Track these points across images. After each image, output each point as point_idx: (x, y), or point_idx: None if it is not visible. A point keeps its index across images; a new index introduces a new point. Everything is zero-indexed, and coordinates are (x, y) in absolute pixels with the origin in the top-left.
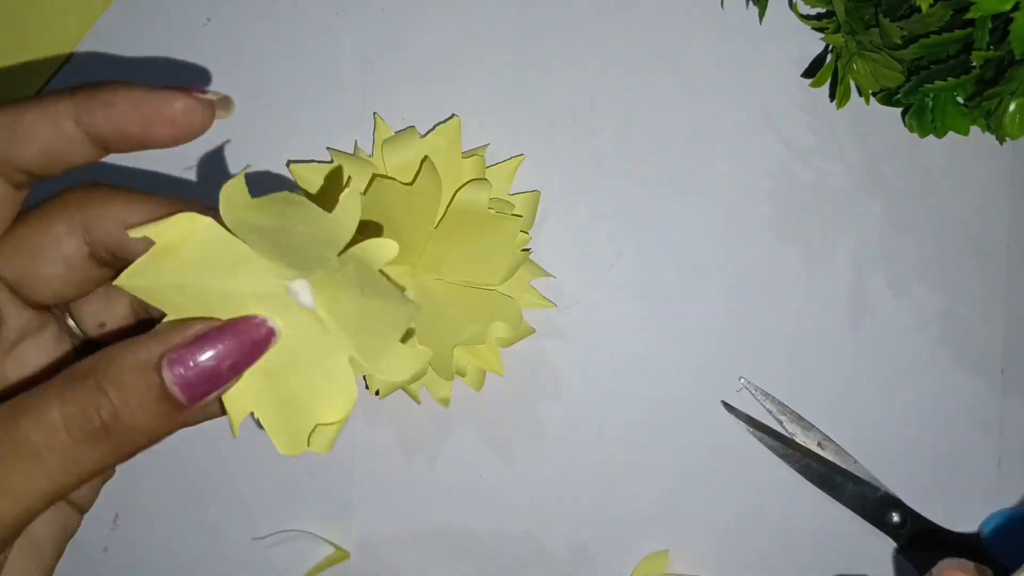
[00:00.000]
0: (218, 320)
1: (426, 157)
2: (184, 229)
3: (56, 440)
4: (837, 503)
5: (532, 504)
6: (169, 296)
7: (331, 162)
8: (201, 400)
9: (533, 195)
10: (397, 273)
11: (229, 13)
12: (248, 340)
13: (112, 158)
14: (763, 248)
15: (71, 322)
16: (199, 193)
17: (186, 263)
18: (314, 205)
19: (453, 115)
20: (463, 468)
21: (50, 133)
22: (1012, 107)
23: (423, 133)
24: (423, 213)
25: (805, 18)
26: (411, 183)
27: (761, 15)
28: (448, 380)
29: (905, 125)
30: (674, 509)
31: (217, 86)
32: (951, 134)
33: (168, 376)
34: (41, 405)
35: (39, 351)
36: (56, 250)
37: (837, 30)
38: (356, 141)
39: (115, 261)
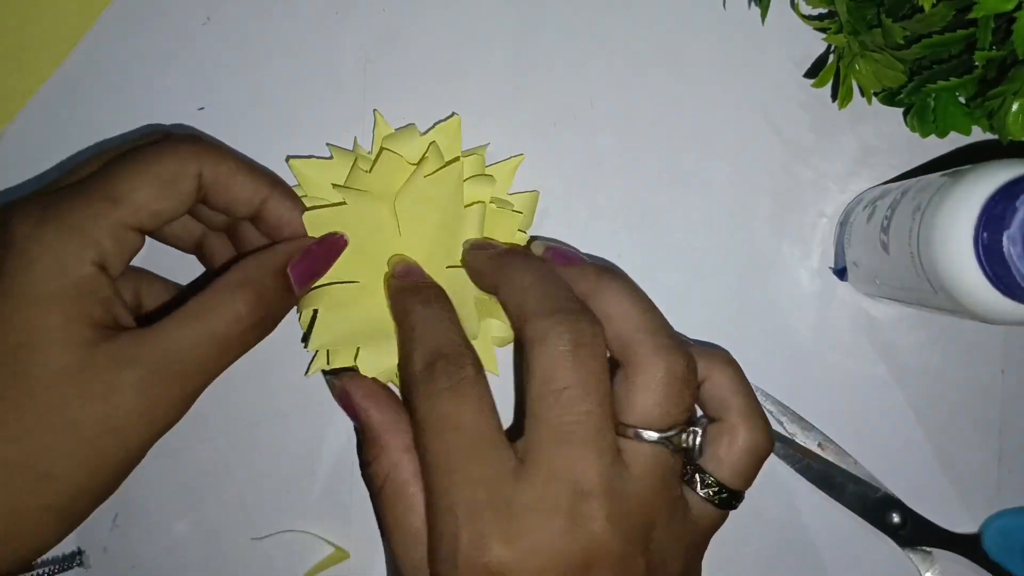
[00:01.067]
0: (313, 238)
1: (432, 142)
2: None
3: (239, 328)
4: (837, 503)
5: None
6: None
7: (331, 158)
8: (306, 287)
9: (532, 195)
10: (384, 321)
11: (229, 12)
12: (335, 249)
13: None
14: (764, 248)
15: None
16: None
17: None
18: None
19: (453, 113)
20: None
21: (242, 198)
22: (1015, 107)
23: (422, 132)
24: (428, 199)
25: (807, 18)
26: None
27: (763, 15)
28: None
29: (907, 125)
30: None
31: (216, 85)
32: (953, 134)
33: (292, 274)
34: (226, 302)
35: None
36: (182, 192)
37: (839, 30)
38: (356, 138)
39: (213, 211)
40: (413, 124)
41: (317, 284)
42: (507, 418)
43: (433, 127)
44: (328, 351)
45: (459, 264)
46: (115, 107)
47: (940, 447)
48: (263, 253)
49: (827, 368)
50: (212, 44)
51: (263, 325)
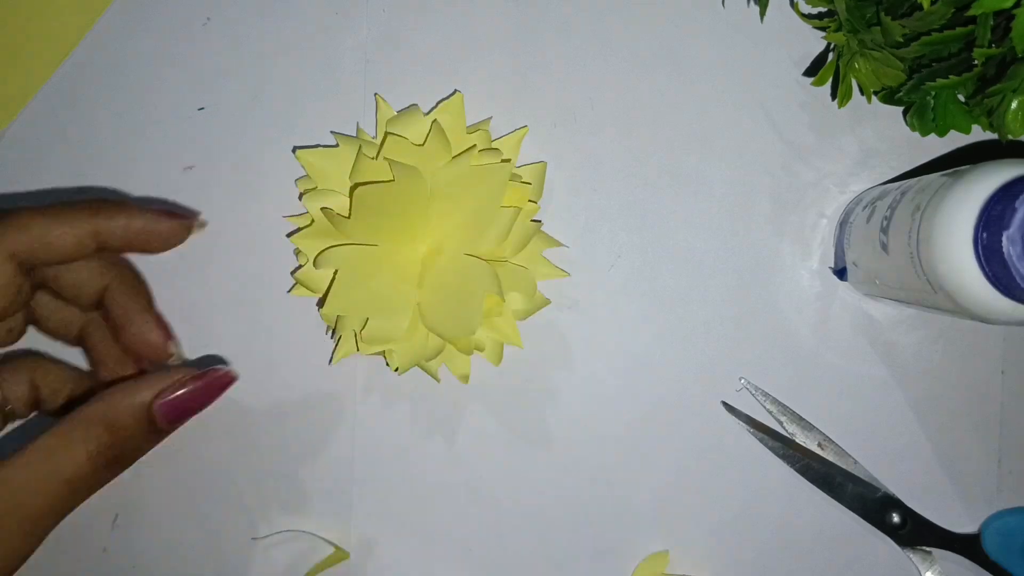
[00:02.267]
0: (193, 370)
1: (435, 120)
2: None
3: (83, 471)
4: (837, 503)
5: (532, 505)
6: None
7: (336, 146)
8: (176, 425)
9: (540, 166)
10: (400, 289)
11: (229, 12)
12: (217, 386)
13: (114, 167)
14: (763, 247)
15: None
16: (198, 195)
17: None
18: None
19: (456, 91)
20: (462, 467)
21: (71, 245)
22: (1014, 105)
23: (425, 112)
24: (468, 186)
25: (806, 17)
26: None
27: (762, 13)
28: (468, 355)
29: (907, 124)
30: (674, 509)
31: (217, 85)
32: (952, 133)
33: (157, 414)
34: (70, 446)
35: None
36: None
37: (839, 28)
38: (358, 123)
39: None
40: (416, 104)
41: (338, 243)
42: (516, 420)
43: (437, 105)
44: (357, 340)
45: (478, 254)
46: (115, 107)
47: (940, 447)
48: (126, 386)
49: (827, 368)
50: (212, 44)
51: (119, 464)
